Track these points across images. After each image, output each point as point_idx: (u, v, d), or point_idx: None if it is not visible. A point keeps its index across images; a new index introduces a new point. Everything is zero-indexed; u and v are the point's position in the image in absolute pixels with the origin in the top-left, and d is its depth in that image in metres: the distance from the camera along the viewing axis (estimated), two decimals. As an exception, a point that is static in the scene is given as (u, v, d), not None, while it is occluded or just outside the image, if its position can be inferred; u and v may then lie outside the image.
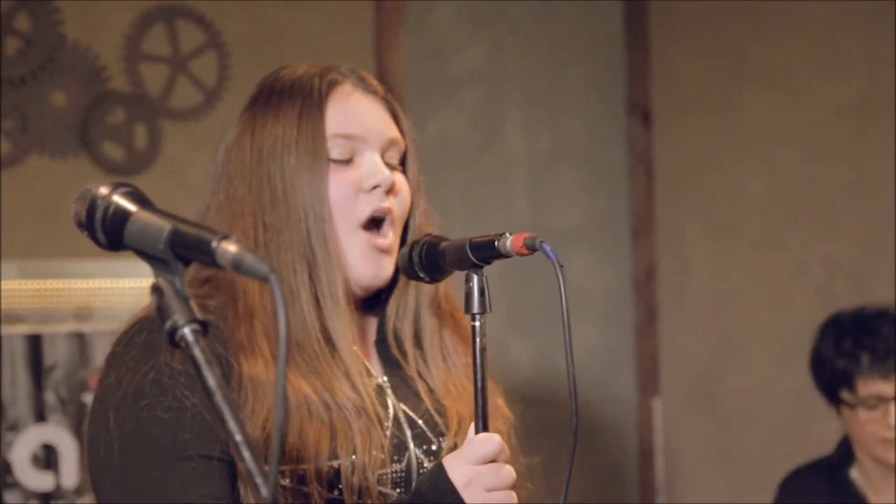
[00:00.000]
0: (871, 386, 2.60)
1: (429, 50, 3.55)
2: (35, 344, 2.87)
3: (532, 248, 1.43)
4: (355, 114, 1.60)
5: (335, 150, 1.58)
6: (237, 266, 1.09)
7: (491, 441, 1.44)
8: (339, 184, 1.56)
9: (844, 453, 2.71)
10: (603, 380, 3.75)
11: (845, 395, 2.64)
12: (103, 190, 1.20)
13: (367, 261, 1.57)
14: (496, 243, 1.46)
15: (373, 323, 1.66)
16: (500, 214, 3.60)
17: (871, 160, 3.27)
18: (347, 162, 1.58)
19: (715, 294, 3.66)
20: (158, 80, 3.12)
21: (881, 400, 2.59)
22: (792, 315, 3.46)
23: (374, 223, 1.59)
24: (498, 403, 1.66)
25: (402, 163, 1.66)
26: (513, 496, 1.45)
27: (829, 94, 3.38)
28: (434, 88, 3.53)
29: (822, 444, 3.14)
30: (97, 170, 3.02)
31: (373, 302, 1.66)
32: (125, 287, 2.97)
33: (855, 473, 2.70)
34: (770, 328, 3.52)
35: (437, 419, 1.60)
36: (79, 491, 2.87)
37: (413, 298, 1.64)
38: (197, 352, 1.11)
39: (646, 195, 3.82)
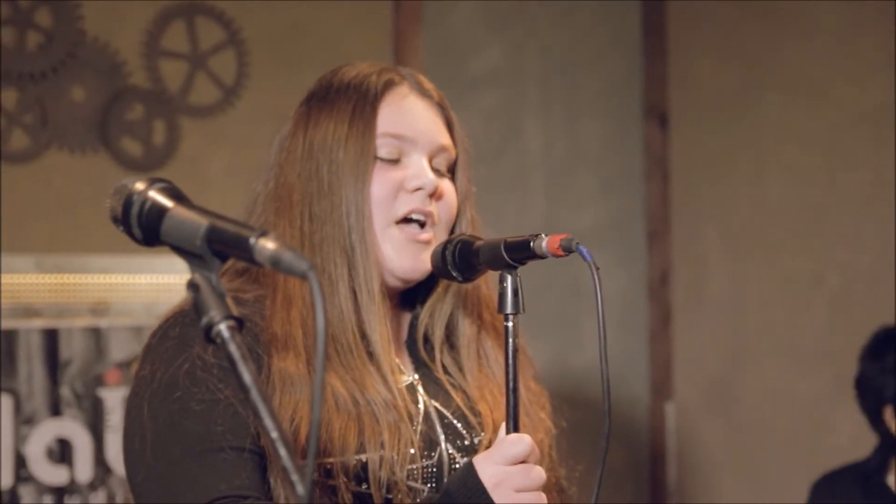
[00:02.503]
0: None
1: (447, 50, 3.55)
2: (51, 338, 2.87)
3: (568, 250, 1.42)
4: (408, 116, 1.61)
5: (383, 149, 1.58)
6: (276, 263, 1.09)
7: (521, 442, 1.44)
8: (382, 182, 1.57)
9: (881, 459, 2.70)
10: (616, 382, 3.70)
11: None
12: (140, 185, 1.20)
13: (404, 253, 1.58)
14: (532, 244, 1.45)
15: (405, 323, 1.67)
16: (516, 216, 3.60)
17: (890, 166, 3.26)
18: (394, 162, 1.59)
19: (731, 298, 3.66)
20: (177, 77, 3.12)
21: None
22: (808, 321, 3.45)
23: (413, 222, 1.59)
24: (541, 416, 1.66)
25: (453, 171, 1.66)
26: (542, 497, 1.45)
27: (849, 99, 3.37)
28: (452, 89, 3.48)
29: (836, 449, 3.14)
30: (116, 165, 3.02)
31: (408, 302, 1.67)
32: (141, 283, 2.97)
33: (891, 480, 2.68)
34: (786, 333, 3.51)
35: (470, 417, 1.60)
36: (93, 485, 2.87)
37: (449, 304, 1.65)
38: (233, 348, 1.11)
39: (662, 199, 3.82)
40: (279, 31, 3.24)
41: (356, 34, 3.33)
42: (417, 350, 1.65)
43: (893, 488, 2.68)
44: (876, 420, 2.72)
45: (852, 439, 3.23)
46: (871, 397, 2.72)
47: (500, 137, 3.64)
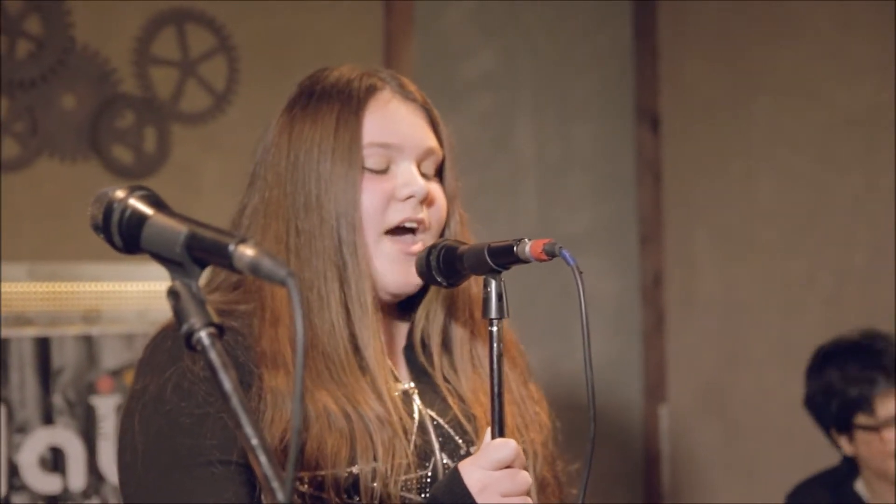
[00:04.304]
0: (890, 403, 2.60)
1: (439, 54, 3.55)
2: (43, 346, 2.86)
3: (551, 254, 1.42)
4: (393, 122, 1.59)
5: (371, 160, 1.57)
6: (255, 270, 1.08)
7: (506, 447, 1.44)
8: (372, 193, 1.56)
9: (850, 466, 2.70)
10: (610, 386, 3.74)
11: (862, 419, 2.62)
12: (120, 193, 1.20)
13: (396, 267, 1.57)
14: (515, 249, 1.45)
15: (403, 329, 1.66)
16: (509, 220, 3.60)
17: (881, 168, 3.26)
18: (383, 171, 1.58)
19: (723, 301, 3.66)
20: (168, 84, 3.12)
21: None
22: (801, 323, 3.45)
23: (405, 231, 1.58)
24: (536, 410, 1.66)
25: (440, 172, 1.65)
26: (528, 501, 1.45)
27: (840, 102, 3.37)
28: (444, 93, 3.52)
29: (831, 451, 3.14)
30: (106, 173, 3.02)
31: (403, 308, 1.66)
32: (133, 290, 2.97)
33: (859, 486, 2.69)
34: (779, 335, 3.51)
35: (466, 425, 1.60)
36: (86, 493, 2.86)
37: (443, 307, 1.64)
38: (213, 355, 1.11)
39: (654, 201, 3.82)
40: (270, 37, 3.23)
41: (347, 39, 3.33)
42: (415, 356, 1.64)
43: (861, 493, 2.68)
44: (830, 439, 2.72)
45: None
46: (818, 418, 2.72)
47: (493, 141, 3.64)
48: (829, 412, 2.68)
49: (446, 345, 1.65)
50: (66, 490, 2.85)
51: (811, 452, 3.35)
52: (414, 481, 1.51)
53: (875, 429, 2.60)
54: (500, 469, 1.43)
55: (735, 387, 3.61)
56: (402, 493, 1.49)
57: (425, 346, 1.65)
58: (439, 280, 1.55)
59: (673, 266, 3.79)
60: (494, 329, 1.47)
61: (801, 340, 3.45)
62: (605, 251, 3.79)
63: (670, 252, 3.80)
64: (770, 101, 3.54)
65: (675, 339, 3.78)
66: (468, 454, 1.57)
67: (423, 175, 1.61)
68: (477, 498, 1.41)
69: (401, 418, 1.52)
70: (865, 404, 2.61)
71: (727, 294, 3.65)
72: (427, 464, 1.54)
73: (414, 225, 1.58)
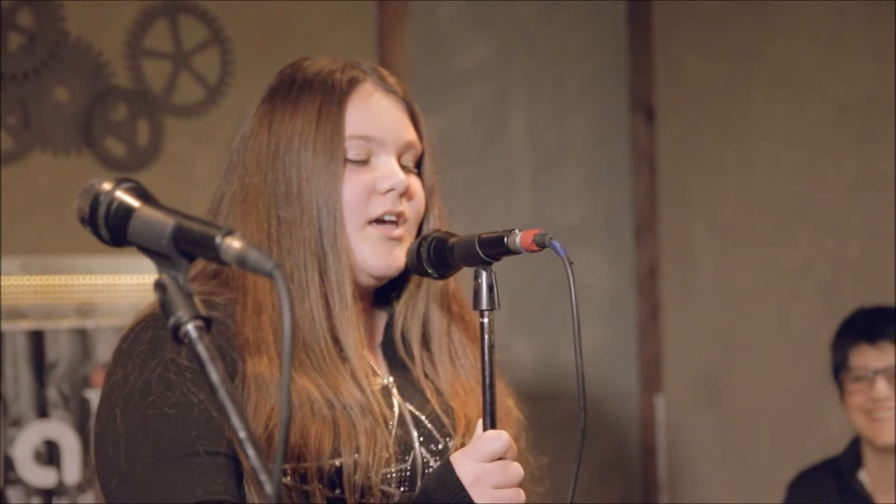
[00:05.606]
0: (861, 357, 2.65)
1: (433, 46, 3.54)
2: (37, 340, 2.86)
3: (542, 245, 1.42)
4: (374, 115, 1.59)
5: (352, 151, 1.57)
6: (242, 262, 1.08)
7: (499, 438, 1.44)
8: (353, 184, 1.56)
9: (853, 455, 2.71)
10: (606, 377, 3.74)
11: (843, 376, 2.69)
12: (106, 186, 1.20)
13: (378, 250, 1.57)
14: (505, 239, 1.45)
15: (380, 324, 1.66)
16: (503, 211, 3.60)
17: (876, 157, 3.26)
18: (363, 163, 1.58)
19: (719, 291, 3.65)
20: (161, 77, 3.11)
21: (867, 370, 2.63)
22: (797, 312, 3.45)
23: (386, 221, 1.58)
24: (509, 405, 1.65)
25: (419, 165, 1.65)
26: (521, 494, 1.45)
27: (835, 91, 3.36)
28: (438, 85, 3.52)
29: (827, 441, 3.14)
30: (100, 166, 3.02)
31: (381, 302, 1.66)
32: (127, 283, 2.96)
33: (863, 475, 2.70)
34: (775, 325, 3.51)
35: (444, 419, 1.60)
36: (81, 487, 2.86)
37: (423, 301, 1.64)
38: (201, 348, 1.11)
39: (649, 192, 3.81)
40: (263, 30, 3.23)
41: (340, 31, 3.32)
42: (394, 351, 1.64)
43: (865, 483, 2.69)
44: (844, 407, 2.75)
45: (843, 431, 3.23)
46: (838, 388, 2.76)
47: (487, 133, 3.63)
48: (834, 374, 2.73)
49: (426, 339, 1.65)
50: (61, 483, 2.85)
51: (806, 442, 3.36)
52: (393, 474, 1.51)
53: (846, 383, 2.68)
54: (493, 461, 1.43)
55: (731, 377, 3.61)
56: (382, 487, 1.49)
57: (406, 341, 1.65)
58: (430, 272, 1.55)
59: (668, 256, 3.79)
60: (485, 321, 1.47)
61: (797, 330, 3.45)
62: (600, 242, 3.79)
63: (666, 242, 3.80)
64: (765, 91, 3.54)
65: (671, 329, 3.78)
66: (446, 449, 1.57)
67: (403, 168, 1.61)
68: (469, 490, 1.41)
69: (381, 408, 1.52)
70: (845, 359, 2.69)
71: (723, 284, 3.65)
72: (407, 458, 1.54)
73: (394, 218, 1.58)
